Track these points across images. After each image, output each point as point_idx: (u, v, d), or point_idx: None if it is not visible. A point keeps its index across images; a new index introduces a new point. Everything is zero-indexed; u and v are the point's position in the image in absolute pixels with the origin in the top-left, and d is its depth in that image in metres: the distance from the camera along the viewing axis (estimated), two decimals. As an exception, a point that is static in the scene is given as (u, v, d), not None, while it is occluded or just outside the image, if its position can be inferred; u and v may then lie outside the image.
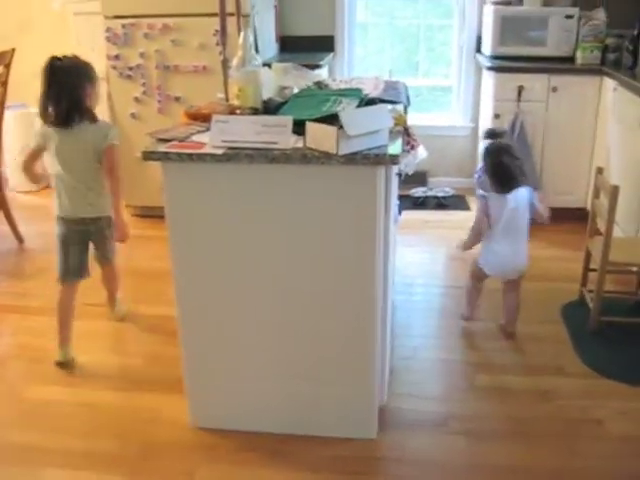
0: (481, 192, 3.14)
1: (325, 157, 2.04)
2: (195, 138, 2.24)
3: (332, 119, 2.06)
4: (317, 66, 4.30)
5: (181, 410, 2.60)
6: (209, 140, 2.15)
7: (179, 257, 2.32)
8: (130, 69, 4.38)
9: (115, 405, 2.72)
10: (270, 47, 4.64)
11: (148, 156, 2.15)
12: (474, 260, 3.22)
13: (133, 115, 4.46)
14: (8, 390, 2.87)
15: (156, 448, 2.48)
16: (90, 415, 2.68)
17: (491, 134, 3.34)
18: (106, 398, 2.77)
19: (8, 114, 4.23)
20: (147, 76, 4.37)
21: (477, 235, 3.15)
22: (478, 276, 3.23)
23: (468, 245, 3.22)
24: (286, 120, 2.12)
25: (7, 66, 3.96)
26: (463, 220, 4.40)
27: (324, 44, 4.97)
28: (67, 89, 2.80)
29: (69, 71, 2.82)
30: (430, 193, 4.89)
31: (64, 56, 2.89)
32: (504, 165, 2.99)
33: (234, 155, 2.09)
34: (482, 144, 3.26)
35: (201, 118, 2.42)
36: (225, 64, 2.49)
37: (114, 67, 4.40)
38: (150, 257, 4.07)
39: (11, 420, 2.68)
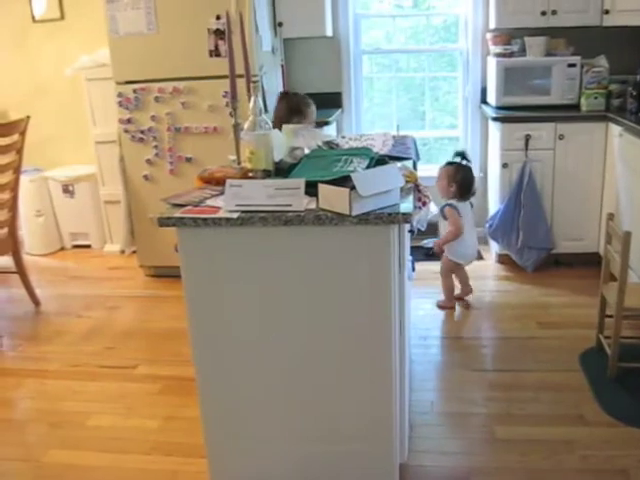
0: (449, 203, 3.97)
1: (338, 218, 2.07)
2: (209, 202, 2.27)
3: (344, 180, 2.09)
4: (325, 123, 4.38)
5: (200, 473, 2.59)
6: (223, 204, 2.19)
7: (196, 320, 2.34)
8: (142, 132, 4.46)
9: (133, 468, 2.71)
10: (278, 105, 4.72)
11: (164, 222, 2.18)
12: (447, 260, 4.06)
13: (146, 177, 4.53)
14: (27, 454, 2.87)
15: (177, 513, 2.47)
16: (109, 479, 2.67)
17: (463, 156, 4.03)
18: (124, 462, 2.76)
19: (23, 178, 4.30)
20: (159, 138, 4.45)
21: (456, 237, 3.96)
22: (453, 270, 4.10)
23: (442, 245, 4.04)
24: (299, 182, 2.15)
25: (22, 134, 4.04)
26: (476, 269, 4.42)
27: (331, 101, 5.05)
28: None
29: None
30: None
31: None
32: (472, 179, 4.04)
33: (249, 219, 2.12)
34: (452, 159, 4.06)
35: (214, 182, 2.46)
36: (236, 128, 2.54)
37: (126, 130, 4.49)
38: (165, 317, 4.10)
39: (30, 487, 2.68)
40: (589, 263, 4.36)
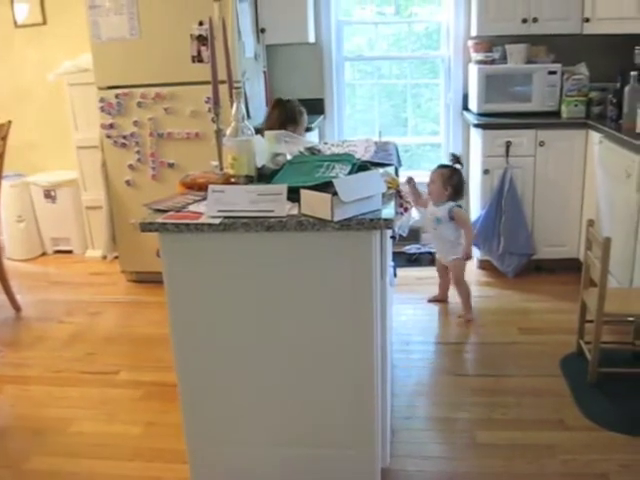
0: (458, 205, 3.97)
1: (320, 223, 2.08)
2: (192, 208, 2.27)
3: (326, 186, 2.10)
4: (308, 129, 4.38)
5: (182, 479, 2.58)
6: (206, 210, 2.19)
7: (178, 325, 2.34)
8: (124, 137, 4.45)
9: (115, 475, 2.70)
10: (261, 112, 4.71)
11: (146, 227, 2.18)
12: (461, 263, 3.99)
13: (128, 182, 4.51)
14: (8, 461, 2.84)
15: (158, 519, 2.46)
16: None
17: (458, 160, 4.04)
18: (106, 468, 2.74)
19: (4, 183, 4.28)
20: (141, 144, 4.44)
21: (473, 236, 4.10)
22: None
23: (470, 248, 4.00)
24: (281, 188, 2.16)
25: (4, 139, 4.02)
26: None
27: (314, 107, 5.02)
28: None
29: None
30: (424, 249, 4.93)
31: None
32: (464, 182, 4.06)
33: (231, 224, 2.13)
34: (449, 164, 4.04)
35: (197, 187, 2.46)
36: (219, 134, 2.54)
37: (108, 136, 4.47)
38: (147, 323, 4.08)
39: (10, 495, 2.66)
40: (569, 269, 4.39)
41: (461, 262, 3.97)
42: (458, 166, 4.00)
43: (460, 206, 3.99)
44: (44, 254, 5.53)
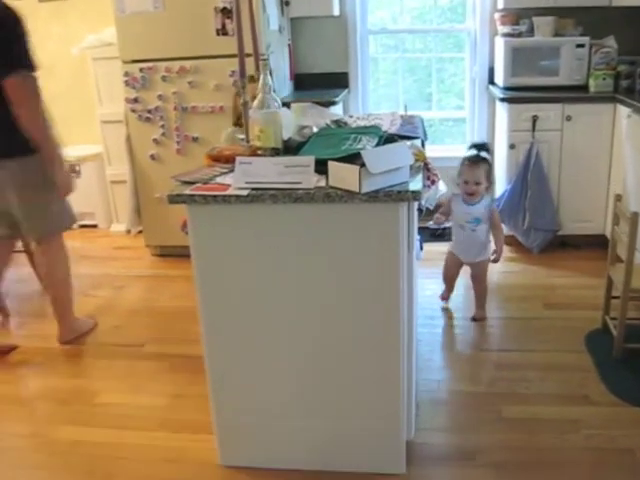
0: (492, 202, 3.67)
1: (348, 195, 2.07)
2: (219, 180, 2.27)
3: (354, 158, 2.09)
4: (332, 103, 4.37)
5: (208, 449, 2.61)
6: (233, 182, 2.19)
7: (206, 297, 2.35)
8: (149, 111, 4.46)
9: (141, 445, 2.73)
10: (285, 85, 4.71)
11: (174, 199, 2.18)
12: (487, 263, 3.67)
13: (152, 156, 4.53)
14: (36, 431, 2.89)
15: (185, 488, 2.49)
16: (116, 455, 2.69)
17: (487, 148, 3.61)
18: (132, 438, 2.78)
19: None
20: (166, 118, 4.45)
21: None
22: None
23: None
24: (308, 160, 2.15)
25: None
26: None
27: (338, 80, 5.04)
28: None
29: None
30: (448, 224, 4.89)
31: None
32: None
33: (258, 196, 2.13)
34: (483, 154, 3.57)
35: (223, 159, 2.46)
36: (245, 106, 2.54)
37: (133, 110, 4.48)
38: (172, 296, 4.11)
39: (40, 461, 2.70)
40: (595, 245, 4.36)
41: (487, 263, 3.68)
42: (487, 155, 3.58)
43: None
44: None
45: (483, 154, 3.51)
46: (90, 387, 3.19)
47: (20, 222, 3.39)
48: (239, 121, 3.25)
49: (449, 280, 3.83)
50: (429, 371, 3.18)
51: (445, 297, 3.88)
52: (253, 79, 2.74)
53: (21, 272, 4.50)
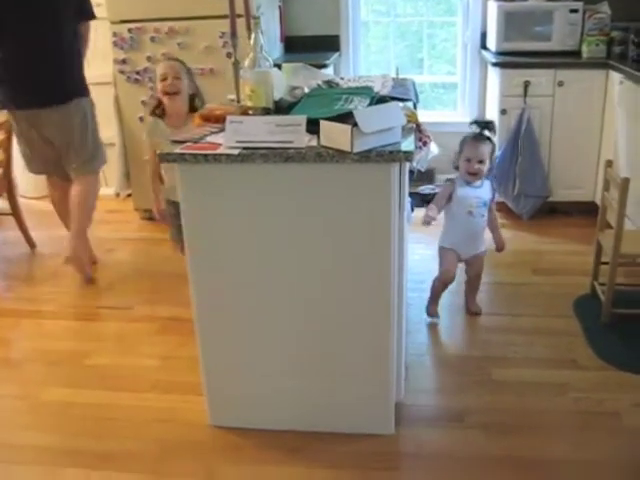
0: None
1: (339, 155, 2.06)
2: (210, 139, 2.25)
3: (346, 117, 2.07)
4: (323, 66, 4.32)
5: (198, 410, 2.62)
6: (224, 141, 2.17)
7: (195, 257, 2.34)
8: (137, 73, 4.41)
9: (132, 406, 2.74)
10: (275, 48, 4.65)
11: (164, 158, 2.16)
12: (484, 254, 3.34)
13: (141, 119, 4.48)
14: (25, 393, 2.89)
15: (175, 448, 2.50)
16: (107, 416, 2.70)
17: (491, 126, 3.23)
18: (123, 399, 2.79)
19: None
20: (154, 79, 4.37)
21: None
22: None
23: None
24: (300, 119, 2.13)
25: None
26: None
27: (329, 43, 4.98)
28: None
29: None
30: (438, 190, 4.88)
31: None
32: None
33: (249, 155, 2.11)
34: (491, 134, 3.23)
35: (214, 119, 2.43)
36: (236, 65, 2.51)
37: (121, 71, 4.43)
38: (162, 260, 4.09)
39: (29, 422, 2.71)
40: (585, 212, 4.36)
41: (485, 255, 3.35)
42: (490, 134, 3.22)
43: None
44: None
45: (487, 133, 3.19)
46: (80, 349, 3.18)
47: (71, 161, 3.82)
48: (156, 110, 3.38)
49: (442, 288, 3.34)
50: (418, 334, 3.20)
51: (434, 312, 3.36)
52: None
53: (8, 235, 4.49)
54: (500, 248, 3.35)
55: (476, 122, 3.24)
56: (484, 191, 3.20)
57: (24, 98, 3.65)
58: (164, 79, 3.26)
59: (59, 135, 3.74)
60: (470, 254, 3.29)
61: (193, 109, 3.24)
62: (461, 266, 3.36)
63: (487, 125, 3.21)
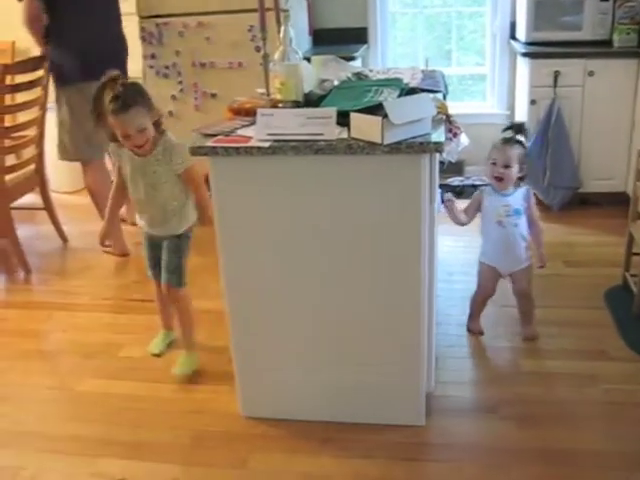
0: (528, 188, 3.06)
1: (370, 147, 2.07)
2: (240, 132, 2.27)
3: (376, 109, 2.08)
4: (351, 58, 4.31)
5: (230, 401, 2.65)
6: (255, 134, 2.19)
7: (227, 250, 2.36)
8: (166, 68, 4.45)
9: (165, 397, 2.78)
10: (304, 41, 4.66)
11: (196, 151, 2.19)
12: (530, 269, 3.08)
13: (170, 113, 4.51)
14: (61, 384, 2.95)
15: (208, 438, 2.53)
16: (141, 407, 2.74)
17: (523, 130, 3.07)
18: (156, 391, 2.83)
19: (49, 116, 4.31)
20: (183, 74, 4.43)
21: None
22: None
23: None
24: (330, 111, 2.14)
25: (47, 69, 4.03)
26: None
27: (357, 36, 4.97)
28: None
29: None
30: (467, 182, 4.88)
31: None
32: None
33: (280, 147, 2.13)
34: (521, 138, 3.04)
35: (244, 112, 2.45)
36: (266, 59, 2.52)
37: (150, 66, 4.47)
38: (192, 253, 4.10)
39: (65, 413, 2.76)
40: (616, 203, 4.31)
41: (531, 269, 3.08)
42: (523, 138, 3.06)
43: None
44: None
45: (519, 137, 3.01)
46: (114, 341, 3.23)
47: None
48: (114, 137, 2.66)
49: (482, 303, 3.18)
50: (448, 326, 3.19)
51: (475, 328, 3.18)
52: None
53: (41, 229, 4.55)
54: (540, 265, 3.06)
55: (509, 127, 3.06)
56: (515, 199, 2.97)
57: (97, 66, 3.68)
58: (126, 136, 2.59)
59: None
60: (509, 269, 3.06)
61: (160, 130, 2.75)
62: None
63: (519, 128, 3.04)
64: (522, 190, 2.99)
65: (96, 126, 2.69)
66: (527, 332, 3.10)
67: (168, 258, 2.89)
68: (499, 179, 2.93)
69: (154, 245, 2.95)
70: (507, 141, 2.98)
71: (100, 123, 2.65)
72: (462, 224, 3.05)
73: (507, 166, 2.90)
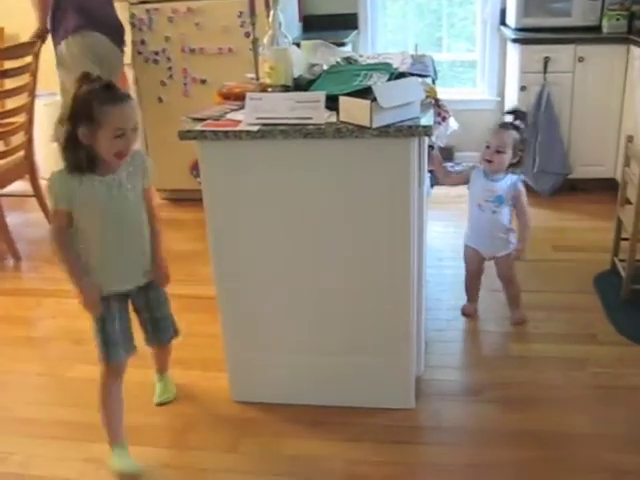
0: (520, 179, 2.99)
1: (359, 130, 2.07)
2: (230, 116, 2.27)
3: (365, 93, 2.08)
4: (341, 44, 4.30)
5: (220, 386, 2.66)
6: (244, 118, 2.19)
7: (217, 235, 2.36)
8: (156, 53, 4.43)
9: (154, 382, 2.78)
10: (294, 27, 4.64)
11: (184, 135, 2.18)
12: (509, 258, 3.05)
13: (160, 99, 4.50)
14: (51, 370, 2.94)
15: (197, 422, 2.54)
16: (131, 392, 2.71)
17: (523, 116, 3.06)
18: (147, 376, 2.81)
19: (37, 102, 4.29)
20: (173, 60, 4.41)
21: None
22: None
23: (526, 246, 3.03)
24: (319, 95, 2.14)
25: (36, 55, 4.00)
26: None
27: (347, 22, 4.96)
28: None
29: None
30: (457, 167, 4.87)
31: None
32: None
33: (269, 131, 2.12)
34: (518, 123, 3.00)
35: (233, 97, 2.45)
36: (255, 43, 2.52)
37: (140, 52, 4.45)
38: (180, 239, 4.11)
39: (56, 398, 2.76)
40: (606, 189, 4.34)
41: (511, 258, 3.04)
42: (521, 124, 3.01)
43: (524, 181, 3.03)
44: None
45: (517, 123, 2.98)
46: (102, 327, 3.22)
47: None
48: (80, 162, 2.07)
49: (471, 284, 3.20)
50: (438, 311, 3.21)
51: (469, 312, 3.19)
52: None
53: (31, 216, 4.54)
54: (516, 255, 3.01)
55: (509, 112, 3.11)
56: (501, 186, 2.92)
57: (107, 29, 4.05)
58: (120, 135, 2.03)
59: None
60: (491, 253, 3.06)
61: None
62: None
63: (517, 114, 3.02)
64: (512, 178, 2.94)
65: (67, 141, 2.06)
66: (515, 316, 3.11)
67: (162, 310, 2.46)
68: (489, 161, 2.91)
69: (124, 309, 2.35)
70: (504, 125, 2.96)
71: (74, 135, 2.03)
72: (441, 181, 3.08)
73: (499, 151, 2.87)
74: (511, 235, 3.01)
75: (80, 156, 2.06)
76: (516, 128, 2.95)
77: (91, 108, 1.99)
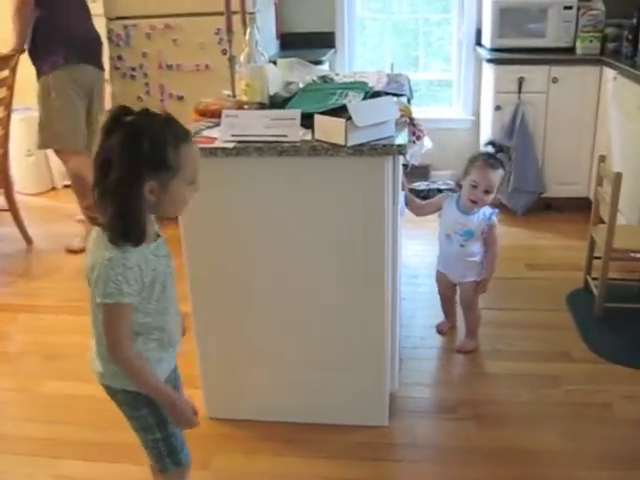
0: (494, 213, 2.91)
1: (334, 148, 2.08)
2: (206, 133, 2.28)
3: (340, 111, 2.10)
4: (318, 62, 4.33)
5: (194, 403, 2.63)
6: (219, 135, 2.19)
7: (192, 251, 2.36)
8: (133, 69, 4.42)
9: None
10: (271, 44, 4.67)
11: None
12: (474, 286, 2.99)
13: (138, 114, 4.49)
14: (24, 386, 2.91)
15: (172, 440, 2.52)
16: (106, 408, 2.68)
17: (502, 149, 2.99)
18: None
19: (14, 116, 4.27)
20: (150, 76, 4.41)
21: None
22: None
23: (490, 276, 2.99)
24: (294, 113, 2.16)
25: (13, 70, 3.99)
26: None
27: (324, 40, 4.99)
28: None
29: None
30: (433, 186, 4.91)
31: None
32: None
33: (244, 149, 2.13)
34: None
35: (210, 114, 2.46)
36: (232, 60, 2.53)
37: (117, 68, 4.44)
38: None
39: (28, 414, 2.73)
40: (579, 208, 4.38)
41: (476, 286, 2.98)
42: (505, 158, 2.94)
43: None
44: (54, 189, 5.53)
45: (500, 157, 2.88)
46: (79, 342, 3.12)
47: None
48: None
49: (446, 305, 3.20)
50: (412, 328, 3.22)
51: (444, 329, 3.21)
52: None
53: (5, 231, 4.50)
54: (479, 286, 2.97)
55: (492, 143, 2.97)
56: (473, 220, 2.86)
57: (90, 55, 4.01)
58: (194, 182, 1.66)
59: (97, 99, 4.09)
60: (454, 279, 3.04)
61: None
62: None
63: (502, 148, 2.96)
64: (486, 212, 2.87)
65: (128, 205, 1.55)
66: (462, 343, 3.07)
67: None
68: (474, 202, 2.83)
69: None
70: (491, 163, 2.83)
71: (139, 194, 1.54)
72: (416, 212, 3.07)
73: (488, 192, 2.81)
74: (479, 266, 2.95)
75: (144, 222, 1.59)
76: (502, 165, 2.86)
77: (165, 152, 1.53)
